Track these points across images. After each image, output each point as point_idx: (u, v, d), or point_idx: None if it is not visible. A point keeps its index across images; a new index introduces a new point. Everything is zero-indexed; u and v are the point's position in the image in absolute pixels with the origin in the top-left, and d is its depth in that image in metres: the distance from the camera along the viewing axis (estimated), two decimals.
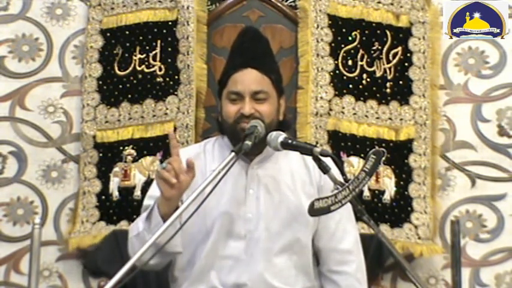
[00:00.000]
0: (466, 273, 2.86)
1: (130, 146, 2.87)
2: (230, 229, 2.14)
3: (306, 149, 1.98)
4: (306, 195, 2.17)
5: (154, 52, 2.90)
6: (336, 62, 2.89)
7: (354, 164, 2.82)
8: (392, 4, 2.95)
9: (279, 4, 2.96)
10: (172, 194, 1.91)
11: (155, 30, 2.91)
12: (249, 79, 2.15)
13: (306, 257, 2.20)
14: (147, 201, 2.15)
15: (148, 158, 2.84)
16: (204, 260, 2.13)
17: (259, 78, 2.16)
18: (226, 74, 2.22)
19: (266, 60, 2.23)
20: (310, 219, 2.14)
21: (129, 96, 2.91)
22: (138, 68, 2.91)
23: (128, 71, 2.92)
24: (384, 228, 2.79)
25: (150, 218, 1.98)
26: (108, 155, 2.90)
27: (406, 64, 2.93)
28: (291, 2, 2.97)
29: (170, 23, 2.89)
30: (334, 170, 1.95)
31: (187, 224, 1.81)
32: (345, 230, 2.21)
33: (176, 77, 2.87)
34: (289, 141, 2.03)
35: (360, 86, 2.89)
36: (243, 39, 2.28)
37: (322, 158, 1.95)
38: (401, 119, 2.90)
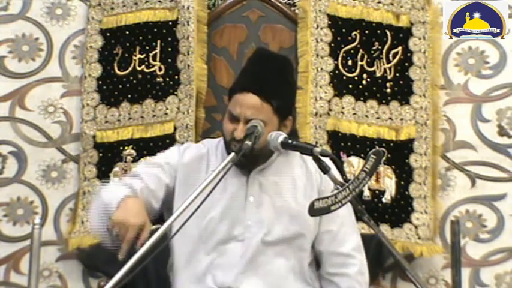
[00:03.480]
0: (466, 273, 2.86)
1: (130, 146, 2.87)
2: (229, 234, 2.13)
3: (305, 149, 1.98)
4: (307, 200, 2.14)
5: (154, 52, 2.90)
6: (336, 62, 2.89)
7: (354, 164, 2.82)
8: (392, 4, 2.95)
9: (279, 4, 2.96)
10: None
11: (155, 30, 2.91)
12: (247, 105, 2.09)
13: (304, 262, 2.18)
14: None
15: (148, 158, 2.84)
16: (201, 262, 2.12)
17: (258, 106, 2.09)
18: (232, 90, 2.18)
19: (271, 85, 2.14)
20: (311, 224, 2.14)
21: (129, 96, 2.91)
22: (138, 68, 2.91)
23: (127, 71, 2.92)
24: (384, 228, 2.79)
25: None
26: (108, 155, 2.90)
27: (407, 64, 2.92)
28: (290, 3, 2.97)
29: (170, 23, 2.90)
30: (334, 170, 1.95)
31: (185, 225, 1.81)
32: (346, 234, 2.20)
33: (176, 77, 2.87)
34: (289, 141, 2.02)
35: (360, 86, 2.89)
36: (253, 60, 2.26)
37: (322, 158, 1.95)
38: (401, 119, 2.90)
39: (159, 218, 2.15)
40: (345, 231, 2.20)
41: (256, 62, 2.24)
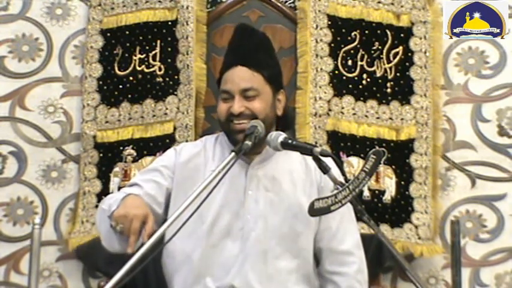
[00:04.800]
0: (466, 273, 2.86)
1: (130, 146, 2.87)
2: (227, 230, 2.12)
3: (305, 149, 1.98)
4: (306, 195, 2.15)
5: (154, 52, 2.90)
6: (336, 62, 2.89)
7: (354, 164, 2.82)
8: (392, 4, 2.94)
9: (279, 4, 2.96)
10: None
11: (155, 30, 2.91)
12: (238, 77, 2.14)
13: (307, 259, 2.18)
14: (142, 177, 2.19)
15: (148, 158, 2.84)
16: (199, 261, 2.12)
17: (249, 76, 2.14)
18: (220, 73, 2.21)
19: (258, 56, 2.19)
20: (311, 220, 2.13)
21: (129, 96, 2.91)
22: (138, 68, 2.91)
23: (128, 71, 2.93)
24: (384, 228, 2.79)
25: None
26: (108, 155, 2.90)
27: (407, 64, 2.92)
28: (290, 3, 2.97)
29: (170, 23, 2.90)
30: (335, 170, 1.95)
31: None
32: (346, 231, 2.20)
33: (176, 77, 2.87)
34: (289, 141, 2.02)
35: (360, 86, 2.89)
36: (235, 36, 2.28)
37: (322, 158, 1.95)
38: (402, 119, 2.90)
39: (163, 223, 2.14)
40: (345, 228, 2.20)
41: (239, 37, 2.25)
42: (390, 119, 2.90)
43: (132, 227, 1.82)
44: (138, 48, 2.92)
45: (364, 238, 2.30)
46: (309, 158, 2.06)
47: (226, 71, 2.17)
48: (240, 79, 2.13)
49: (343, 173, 1.96)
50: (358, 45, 2.91)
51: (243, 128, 2.07)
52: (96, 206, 2.85)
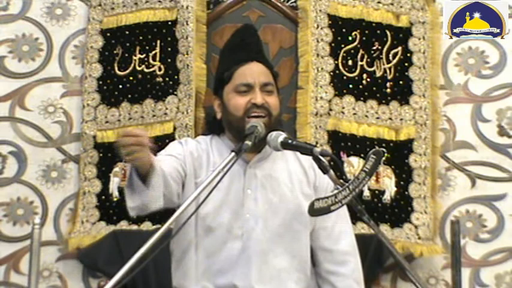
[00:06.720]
0: (466, 273, 2.86)
1: None
2: (227, 229, 2.12)
3: (306, 149, 1.98)
4: (303, 195, 2.16)
5: (154, 52, 2.91)
6: (336, 62, 2.89)
7: (354, 164, 2.82)
8: (392, 4, 2.95)
9: (279, 4, 2.96)
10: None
11: (155, 30, 2.91)
12: (257, 71, 2.17)
13: (305, 259, 2.18)
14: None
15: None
16: (199, 260, 2.12)
17: (266, 71, 2.19)
18: (229, 70, 2.20)
19: (264, 54, 2.28)
20: (308, 219, 2.14)
21: (129, 96, 2.92)
22: (138, 68, 2.91)
23: (127, 71, 2.93)
24: (384, 228, 2.79)
25: (132, 181, 1.94)
26: (108, 155, 2.90)
27: (406, 64, 2.93)
28: (292, 3, 2.97)
29: (170, 23, 2.90)
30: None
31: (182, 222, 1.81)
32: (341, 231, 2.21)
33: (176, 77, 2.87)
34: (289, 141, 2.02)
35: (360, 86, 2.90)
36: (244, 35, 2.30)
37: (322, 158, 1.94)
38: (401, 119, 2.90)
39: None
40: (340, 228, 2.20)
41: (248, 36, 2.29)
42: (390, 119, 2.90)
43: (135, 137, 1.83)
44: (138, 48, 2.93)
45: (364, 238, 2.30)
46: (303, 158, 2.06)
47: (239, 66, 2.18)
48: (260, 73, 2.17)
49: (343, 173, 1.96)
50: (358, 45, 2.92)
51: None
52: (96, 206, 2.87)
